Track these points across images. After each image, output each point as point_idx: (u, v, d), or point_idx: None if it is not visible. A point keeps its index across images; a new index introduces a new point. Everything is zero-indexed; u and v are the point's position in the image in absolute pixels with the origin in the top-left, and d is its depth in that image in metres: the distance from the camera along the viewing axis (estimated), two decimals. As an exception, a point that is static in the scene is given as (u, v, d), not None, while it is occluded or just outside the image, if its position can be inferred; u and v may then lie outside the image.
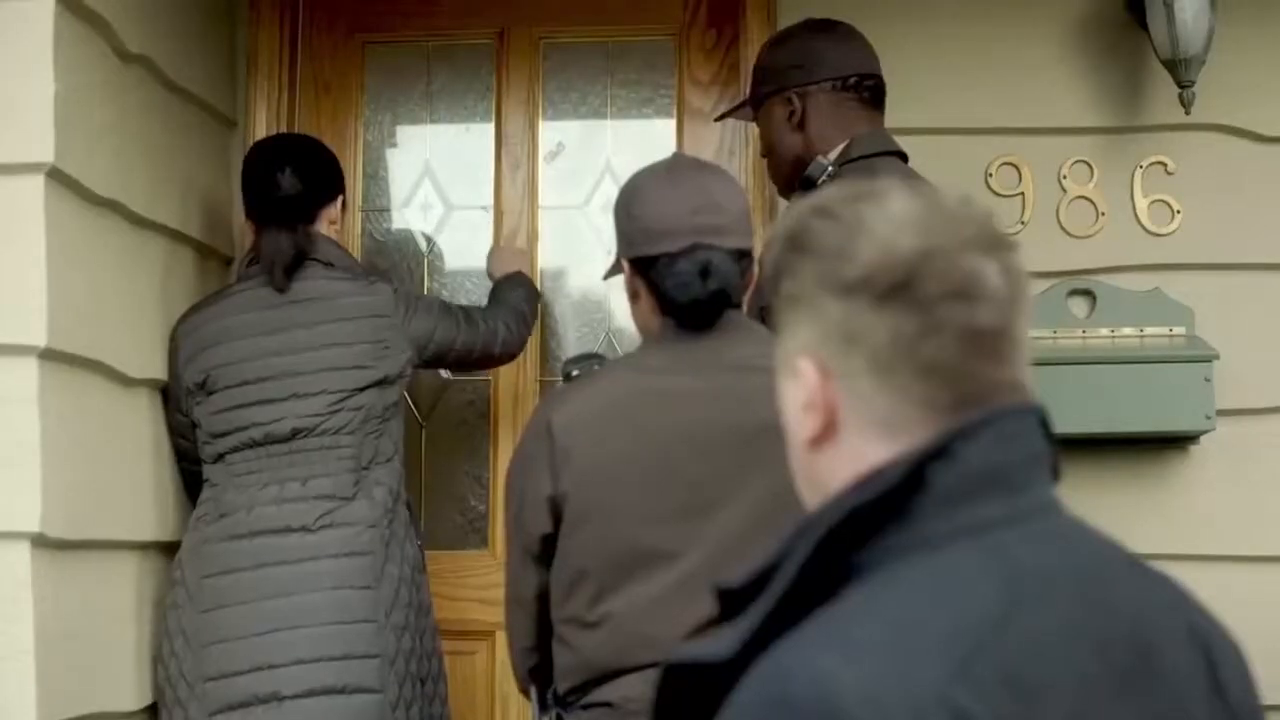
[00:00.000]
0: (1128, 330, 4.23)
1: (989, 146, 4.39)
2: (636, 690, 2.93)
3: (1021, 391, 1.64)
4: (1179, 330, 4.22)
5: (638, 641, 2.95)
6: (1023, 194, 4.36)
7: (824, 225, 1.65)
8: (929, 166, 3.95)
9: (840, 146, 3.73)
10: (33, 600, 3.32)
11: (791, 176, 3.82)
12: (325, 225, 4.16)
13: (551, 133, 4.76)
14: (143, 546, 3.88)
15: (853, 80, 3.79)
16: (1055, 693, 1.48)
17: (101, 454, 3.68)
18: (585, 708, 3.03)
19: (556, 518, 3.05)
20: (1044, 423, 1.66)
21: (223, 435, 3.96)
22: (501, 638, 4.38)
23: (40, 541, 3.36)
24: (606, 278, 3.32)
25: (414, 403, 4.67)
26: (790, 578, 1.55)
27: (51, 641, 3.38)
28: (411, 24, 4.77)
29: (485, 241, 4.71)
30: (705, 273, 3.01)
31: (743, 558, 2.83)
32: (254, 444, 3.94)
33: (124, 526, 3.79)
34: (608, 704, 2.99)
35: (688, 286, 3.02)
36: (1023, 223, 4.32)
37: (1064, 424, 4.18)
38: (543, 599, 3.12)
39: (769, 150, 3.89)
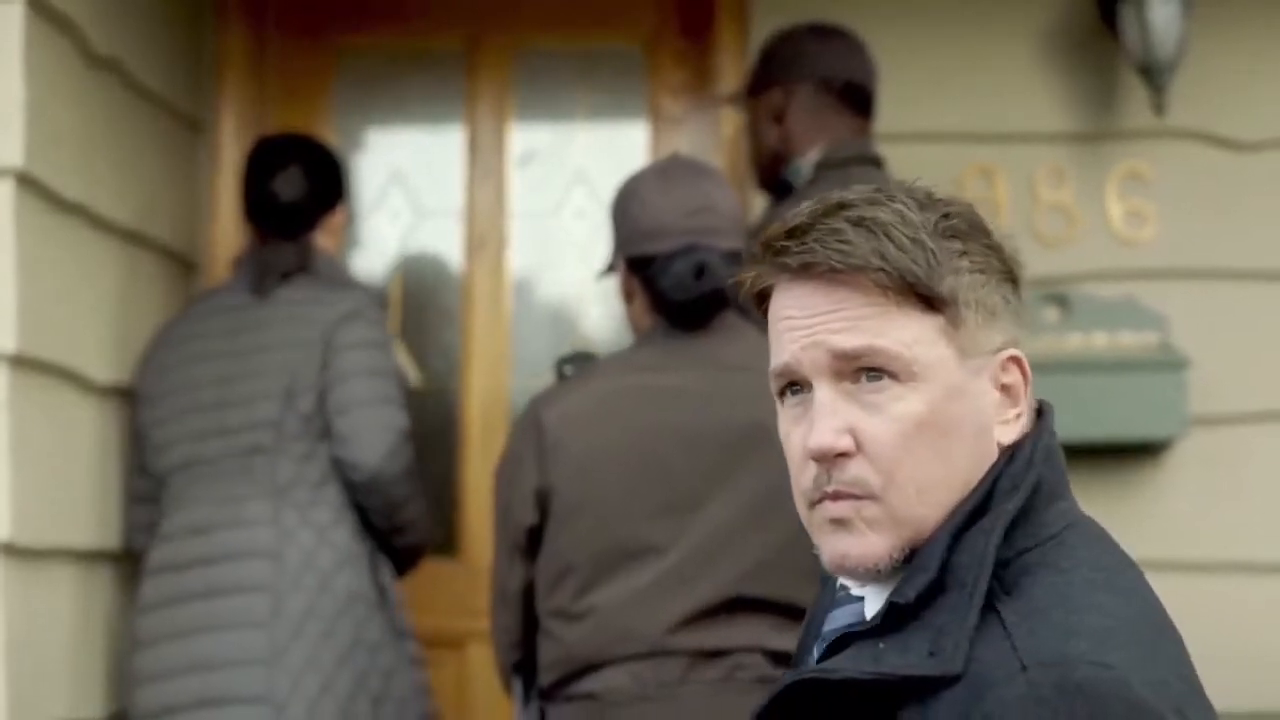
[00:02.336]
0: (1101, 337, 4.23)
1: (961, 153, 4.38)
2: (619, 682, 2.98)
3: None
4: (1152, 337, 4.22)
5: (621, 634, 2.99)
6: (995, 201, 4.34)
7: (980, 216, 1.68)
8: (900, 173, 3.91)
9: (817, 149, 3.77)
10: (3, 608, 3.31)
11: (766, 170, 3.89)
12: (326, 233, 4.04)
13: (522, 138, 4.74)
14: (112, 555, 3.85)
15: (838, 85, 3.82)
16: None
17: (71, 461, 3.66)
18: (569, 699, 3.04)
19: (542, 511, 3.08)
20: None
21: (163, 449, 3.83)
22: (472, 648, 4.42)
23: (10, 550, 3.34)
24: (600, 278, 3.35)
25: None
26: (984, 583, 1.56)
27: (21, 649, 3.37)
28: (382, 29, 4.75)
29: (455, 248, 4.70)
30: (700, 272, 3.07)
31: (727, 554, 2.92)
32: (186, 465, 3.79)
33: (93, 534, 3.77)
34: (590, 695, 3.01)
35: (683, 286, 3.07)
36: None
37: (1038, 431, 4.14)
38: (527, 594, 3.14)
39: (751, 142, 3.95)
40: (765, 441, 2.88)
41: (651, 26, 4.69)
